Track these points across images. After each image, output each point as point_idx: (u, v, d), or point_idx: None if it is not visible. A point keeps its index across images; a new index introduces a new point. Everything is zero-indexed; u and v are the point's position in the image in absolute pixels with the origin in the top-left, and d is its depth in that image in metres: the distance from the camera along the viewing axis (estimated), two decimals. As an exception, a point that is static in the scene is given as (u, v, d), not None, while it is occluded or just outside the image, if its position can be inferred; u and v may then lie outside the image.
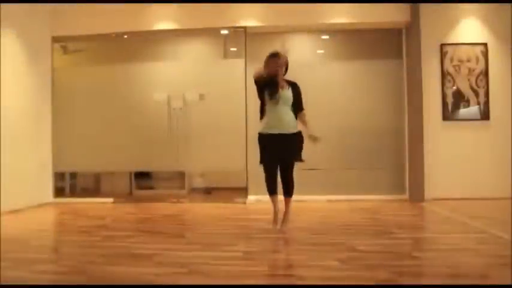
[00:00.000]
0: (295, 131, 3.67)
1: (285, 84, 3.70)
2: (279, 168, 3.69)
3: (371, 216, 4.54)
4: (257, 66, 3.72)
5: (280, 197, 3.74)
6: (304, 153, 3.72)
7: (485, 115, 5.64)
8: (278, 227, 3.70)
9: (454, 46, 5.70)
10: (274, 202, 3.74)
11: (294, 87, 3.75)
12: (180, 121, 5.84)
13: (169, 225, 4.31)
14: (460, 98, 5.68)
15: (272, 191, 3.71)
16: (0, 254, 3.00)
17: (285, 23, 5.72)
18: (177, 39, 6.17)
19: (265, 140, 3.69)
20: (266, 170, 3.70)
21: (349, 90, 5.88)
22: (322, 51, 6.14)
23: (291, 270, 2.65)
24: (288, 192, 3.72)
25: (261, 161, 3.72)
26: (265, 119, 3.69)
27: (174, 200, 5.82)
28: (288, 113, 3.66)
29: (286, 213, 3.73)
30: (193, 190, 6.65)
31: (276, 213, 3.75)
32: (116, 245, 3.33)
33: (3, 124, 4.91)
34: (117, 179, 6.80)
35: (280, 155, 3.66)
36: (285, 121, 3.64)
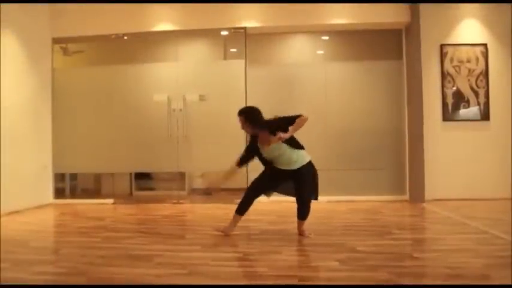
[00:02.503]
0: (305, 162, 3.47)
1: (270, 139, 3.40)
2: (298, 197, 3.51)
3: (371, 217, 4.54)
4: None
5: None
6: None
7: (485, 115, 5.64)
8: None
9: (454, 47, 5.70)
10: (236, 221, 3.60)
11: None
12: (180, 122, 5.84)
13: (170, 226, 4.31)
14: (460, 99, 5.68)
15: (241, 212, 3.58)
16: (0, 254, 3.00)
17: (285, 23, 5.73)
18: (177, 40, 6.17)
19: (274, 170, 3.52)
20: (249, 193, 3.56)
21: (349, 91, 5.88)
22: (322, 51, 6.14)
23: (291, 271, 2.65)
24: (304, 217, 3.54)
25: (254, 183, 3.58)
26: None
27: (174, 200, 5.83)
28: (292, 153, 3.44)
29: (301, 230, 3.57)
30: (194, 191, 6.64)
31: (230, 228, 3.60)
32: (116, 246, 3.33)
33: (3, 125, 4.92)
34: (117, 180, 6.79)
35: (295, 186, 3.50)
36: (293, 160, 3.45)
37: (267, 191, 3.65)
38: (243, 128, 3.56)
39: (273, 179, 3.56)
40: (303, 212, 3.53)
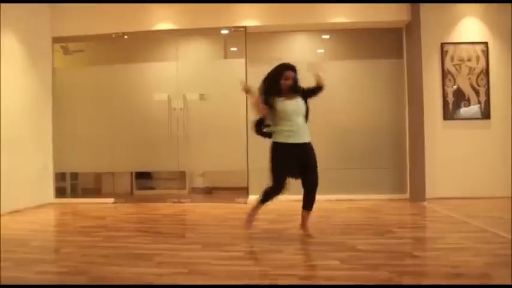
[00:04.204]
0: (310, 139, 3.47)
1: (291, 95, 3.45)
2: (306, 182, 3.43)
3: (372, 216, 4.54)
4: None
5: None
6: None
7: (485, 114, 5.63)
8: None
9: (454, 45, 5.69)
10: (259, 209, 3.55)
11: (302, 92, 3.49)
12: (181, 121, 5.84)
13: (170, 225, 4.31)
14: (460, 97, 5.67)
15: (268, 200, 3.49)
16: (1, 254, 3.00)
17: (285, 22, 5.72)
18: (177, 39, 6.16)
19: (285, 149, 3.37)
20: (279, 181, 3.38)
21: (350, 89, 5.87)
22: (322, 50, 6.14)
23: (292, 270, 2.65)
24: (311, 206, 3.47)
25: (277, 172, 3.38)
26: (280, 128, 3.40)
27: (175, 200, 5.82)
28: (303, 122, 3.45)
29: (305, 226, 3.52)
30: (194, 190, 6.65)
31: (254, 217, 3.59)
32: (117, 245, 3.34)
33: (4, 124, 4.92)
34: (117, 179, 6.80)
35: (303, 167, 3.39)
36: (303, 129, 3.42)
37: (291, 172, 3.41)
38: (287, 83, 3.41)
39: (294, 158, 3.37)
40: (312, 199, 3.45)
